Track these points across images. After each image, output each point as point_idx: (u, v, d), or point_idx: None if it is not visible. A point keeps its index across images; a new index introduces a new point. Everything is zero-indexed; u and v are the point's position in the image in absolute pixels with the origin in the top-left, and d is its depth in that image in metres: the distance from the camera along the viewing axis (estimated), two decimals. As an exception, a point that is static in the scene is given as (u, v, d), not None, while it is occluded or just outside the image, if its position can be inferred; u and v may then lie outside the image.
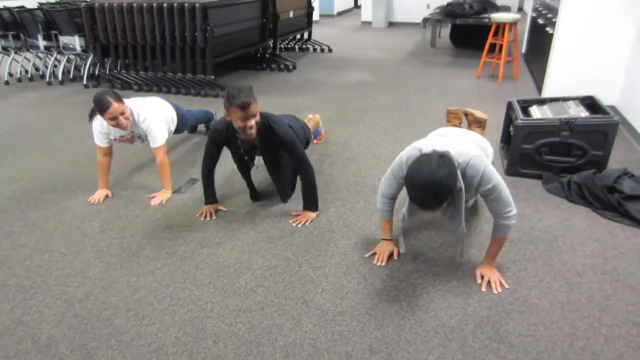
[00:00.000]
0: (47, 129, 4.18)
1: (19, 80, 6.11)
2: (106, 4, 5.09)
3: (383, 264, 2.19)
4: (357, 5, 14.83)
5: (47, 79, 5.92)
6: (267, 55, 6.31)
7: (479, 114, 2.92)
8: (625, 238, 2.42)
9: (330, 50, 7.59)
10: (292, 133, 2.48)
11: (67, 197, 2.93)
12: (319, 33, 9.49)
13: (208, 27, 4.77)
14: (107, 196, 2.90)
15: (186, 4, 4.75)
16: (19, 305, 1.96)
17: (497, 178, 1.90)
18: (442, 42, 8.35)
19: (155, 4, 4.88)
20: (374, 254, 2.26)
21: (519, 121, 2.98)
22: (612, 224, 2.56)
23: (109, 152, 2.84)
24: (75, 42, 5.56)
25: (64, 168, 3.35)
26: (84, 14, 5.22)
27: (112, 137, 2.81)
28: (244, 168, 2.65)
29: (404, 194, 2.35)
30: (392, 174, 2.10)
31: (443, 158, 1.78)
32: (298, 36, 7.53)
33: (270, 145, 2.46)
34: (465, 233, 2.11)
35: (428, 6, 10.44)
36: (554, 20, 4.53)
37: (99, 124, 2.74)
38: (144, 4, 4.92)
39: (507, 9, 7.77)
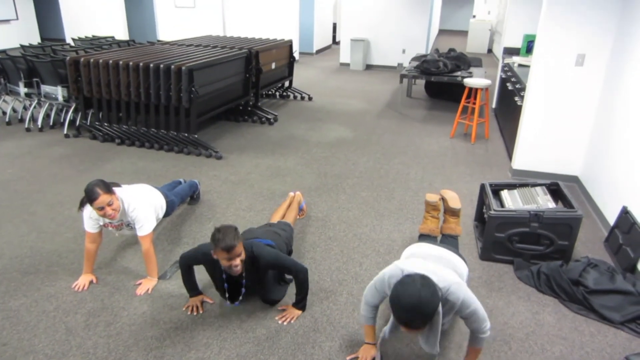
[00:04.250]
0: (27, 191, 4.16)
1: (-4, 124, 6.05)
2: (92, 60, 5.13)
3: (365, 370, 2.29)
4: (335, 42, 15.19)
5: (26, 125, 5.87)
6: (249, 108, 6.41)
7: (453, 202, 3.10)
8: (590, 335, 2.59)
9: (310, 99, 7.76)
10: (277, 252, 2.58)
11: (49, 281, 2.93)
12: (299, 74, 9.70)
13: (193, 89, 4.86)
14: (91, 282, 2.91)
15: (173, 66, 4.83)
16: (6, 423, 1.97)
17: (475, 301, 2.04)
18: (417, 89, 8.65)
19: (141, 64, 4.94)
20: (356, 357, 2.35)
21: (492, 212, 3.16)
22: (579, 318, 2.73)
23: (97, 239, 2.87)
24: (58, 92, 5.56)
25: (45, 243, 3.35)
26: (68, 67, 5.23)
27: (101, 224, 2.85)
28: (223, 292, 2.69)
29: (384, 307, 2.47)
30: (375, 288, 2.22)
31: (425, 279, 1.92)
32: (279, 84, 7.68)
33: (256, 271, 2.55)
34: (439, 354, 2.23)
35: (404, 51, 10.82)
36: (521, 93, 4.81)
37: (89, 211, 2.78)
38: (131, 63, 4.98)
39: (478, 61, 8.14)
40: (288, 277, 2.90)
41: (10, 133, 5.76)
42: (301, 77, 9.52)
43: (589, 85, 4.19)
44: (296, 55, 9.35)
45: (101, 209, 2.64)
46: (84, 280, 2.90)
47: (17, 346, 2.40)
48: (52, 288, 2.86)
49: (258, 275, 2.57)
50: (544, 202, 3.25)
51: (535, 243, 3.17)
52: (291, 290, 2.75)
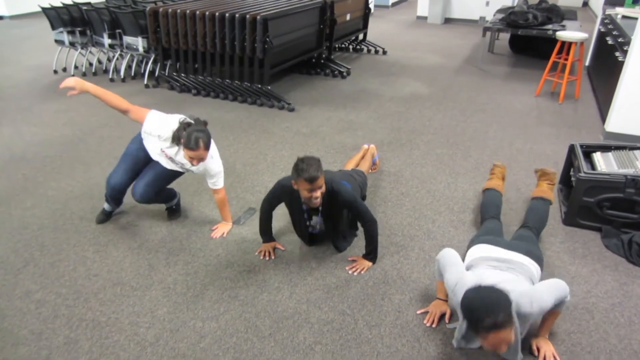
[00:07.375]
0: (111, 137, 4.39)
1: (84, 74, 6.39)
2: (170, 10, 5.22)
3: (434, 325, 2.25)
4: (411, -6, 14.46)
5: (110, 75, 6.17)
6: (322, 60, 6.30)
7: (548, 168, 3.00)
8: (688, 313, 2.37)
9: (384, 52, 7.50)
10: (354, 193, 2.54)
11: (133, 220, 3.11)
12: (373, 28, 9.37)
13: (267, 39, 4.82)
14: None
15: (248, 15, 4.81)
16: (97, 345, 2.14)
17: (547, 299, 1.93)
18: (500, 45, 8.08)
19: (217, 13, 4.96)
20: (427, 312, 2.31)
21: (582, 174, 2.91)
22: (675, 294, 2.50)
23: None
24: (139, 42, 5.74)
25: (129, 185, 3.53)
26: (148, 17, 5.37)
27: (162, 148, 2.81)
28: (302, 226, 2.73)
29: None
30: (443, 273, 2.16)
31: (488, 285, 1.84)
32: (353, 37, 7.47)
33: (333, 207, 2.54)
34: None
35: (487, 4, 10.09)
36: (625, 47, 4.33)
37: (163, 128, 2.76)
38: (207, 12, 5.02)
39: (573, 14, 7.43)
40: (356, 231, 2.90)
41: (96, 83, 5.89)
42: (375, 31, 9.20)
43: None
44: (371, 7, 9.01)
45: (191, 158, 2.55)
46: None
47: (106, 277, 2.59)
48: (136, 227, 3.04)
49: (334, 212, 2.58)
50: (644, 166, 2.95)
51: (629, 210, 2.90)
52: (362, 242, 2.73)
